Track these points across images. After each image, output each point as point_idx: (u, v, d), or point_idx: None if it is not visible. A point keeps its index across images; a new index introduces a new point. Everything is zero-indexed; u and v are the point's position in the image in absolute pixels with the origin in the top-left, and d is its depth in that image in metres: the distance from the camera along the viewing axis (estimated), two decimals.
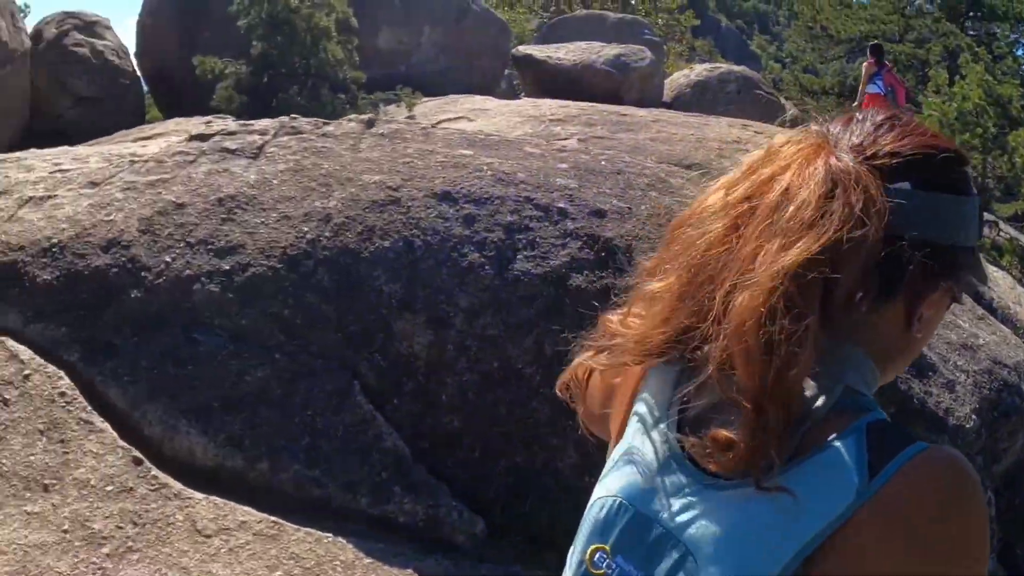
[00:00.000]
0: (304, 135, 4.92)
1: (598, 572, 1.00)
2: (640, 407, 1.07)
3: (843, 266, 0.93)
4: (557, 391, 1.29)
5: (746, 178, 1.03)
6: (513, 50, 18.13)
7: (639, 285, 1.12)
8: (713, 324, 0.95)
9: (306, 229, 4.17)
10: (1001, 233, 11.02)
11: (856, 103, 13.22)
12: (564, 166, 5.37)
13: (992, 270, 7.67)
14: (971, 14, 22.49)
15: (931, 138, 1.04)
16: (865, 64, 12.92)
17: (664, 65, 19.39)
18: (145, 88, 15.34)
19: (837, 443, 0.91)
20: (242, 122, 5.47)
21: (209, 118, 9.53)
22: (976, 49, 19.55)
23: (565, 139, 9.84)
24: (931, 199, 0.99)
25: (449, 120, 11.96)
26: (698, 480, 0.96)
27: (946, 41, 20.86)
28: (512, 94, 18.61)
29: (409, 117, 12.61)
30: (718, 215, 1.03)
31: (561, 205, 4.78)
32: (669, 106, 14.73)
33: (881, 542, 0.87)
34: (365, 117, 5.38)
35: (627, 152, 8.34)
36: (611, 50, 15.95)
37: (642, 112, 10.61)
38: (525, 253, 4.48)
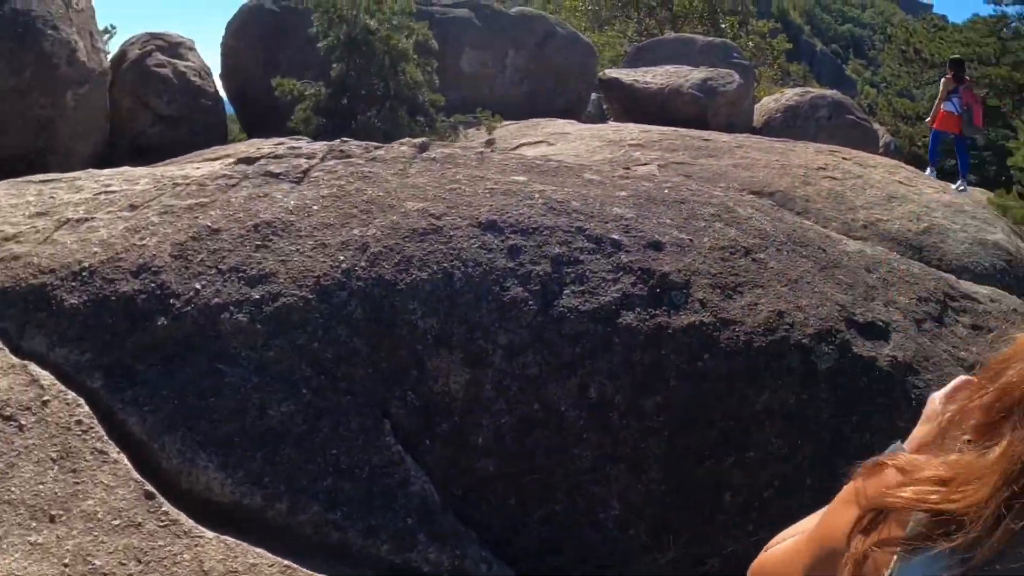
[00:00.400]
0: (352, 159, 4.76)
1: None
2: (932, 563, 0.93)
3: None
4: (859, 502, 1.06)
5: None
6: (600, 74, 17.92)
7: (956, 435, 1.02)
8: None
9: (342, 258, 3.99)
10: None
11: (930, 119, 12.59)
12: (623, 194, 5.10)
13: None
14: None
15: None
16: (943, 80, 12.11)
17: (755, 90, 18.91)
18: (230, 109, 15.60)
19: None
20: (290, 145, 5.35)
21: (284, 139, 9.54)
22: None
23: (645, 164, 9.57)
24: None
25: (528, 144, 11.77)
26: None
27: None
28: (600, 118, 18.39)
29: (488, 140, 12.51)
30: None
31: (615, 236, 4.51)
32: (758, 131, 14.30)
33: None
34: (418, 141, 5.19)
35: (708, 179, 8.02)
36: (698, 74, 15.62)
37: (725, 137, 10.25)
38: (573, 288, 4.22)
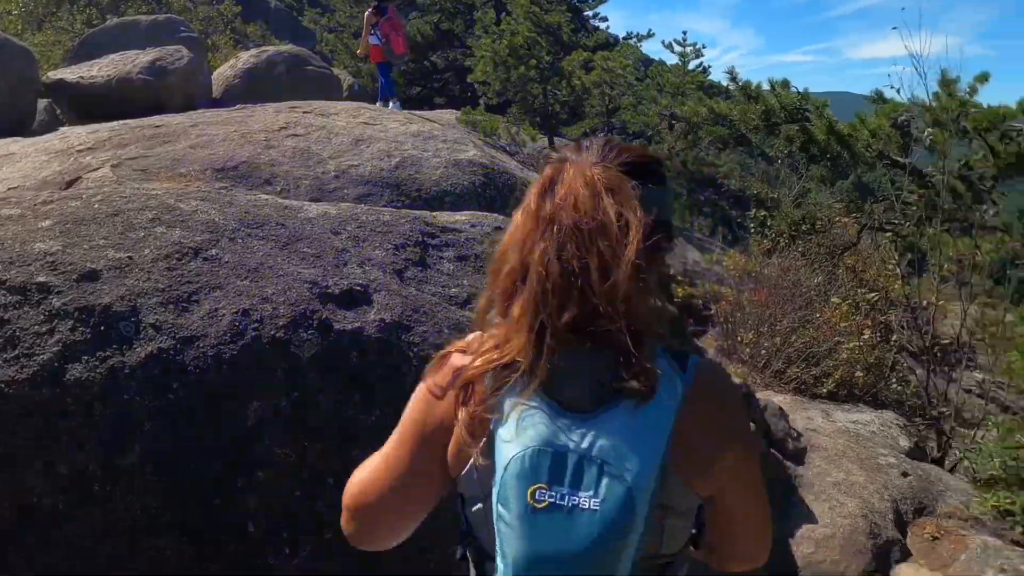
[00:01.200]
0: None
1: (543, 504, 1.34)
2: (509, 386, 1.42)
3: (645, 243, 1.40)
4: (433, 392, 1.53)
5: (542, 206, 1.46)
6: (44, 77, 15.90)
7: (489, 308, 1.53)
8: (590, 311, 1.38)
9: None
10: None
11: (361, 52, 13.47)
12: (47, 224, 4.28)
13: None
14: None
15: (637, 151, 1.57)
16: (367, 14, 12.76)
17: (211, 60, 18.13)
18: None
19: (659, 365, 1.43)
20: None
21: None
22: None
23: (97, 169, 8.47)
24: (653, 192, 1.51)
25: None
26: (581, 419, 1.38)
27: None
28: (54, 126, 16.40)
29: None
30: (538, 239, 1.44)
31: (42, 279, 3.74)
32: (220, 103, 13.66)
33: (706, 404, 1.46)
34: None
35: (167, 167, 7.29)
36: (145, 57, 14.45)
37: (179, 118, 9.45)
38: (4, 356, 3.42)
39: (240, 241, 4.21)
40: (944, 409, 7.95)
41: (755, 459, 1.64)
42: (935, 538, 5.68)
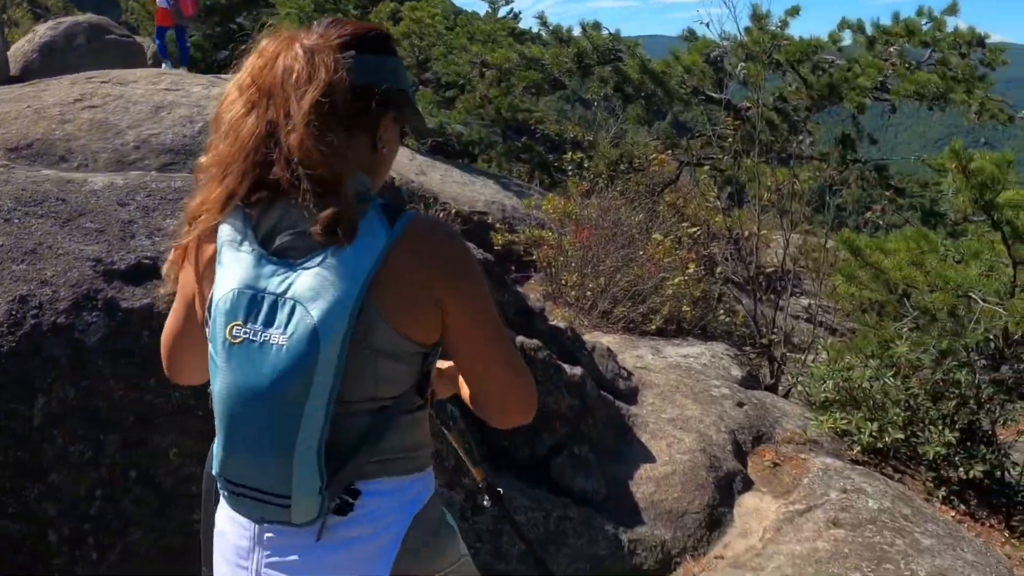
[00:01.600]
0: None
1: (238, 340, 1.43)
2: (225, 238, 1.50)
3: (336, 103, 1.48)
4: (165, 278, 1.68)
5: (248, 72, 1.55)
6: None
7: (199, 174, 1.59)
8: (279, 165, 1.46)
9: None
10: None
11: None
12: None
13: None
14: None
15: (362, 26, 1.63)
16: None
17: (9, 35, 16.35)
18: None
19: (366, 219, 1.47)
20: None
21: None
22: None
23: None
24: (367, 59, 1.57)
25: None
26: (285, 265, 1.45)
27: None
28: None
29: None
30: (238, 101, 1.53)
31: None
32: (19, 79, 12.18)
33: (414, 254, 1.49)
34: None
35: None
36: None
37: None
38: None
39: (16, 222, 3.58)
40: (774, 336, 7.80)
41: (482, 311, 1.60)
42: (776, 464, 5.40)
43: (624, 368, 6.02)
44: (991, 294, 5.36)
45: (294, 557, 1.50)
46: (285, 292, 1.42)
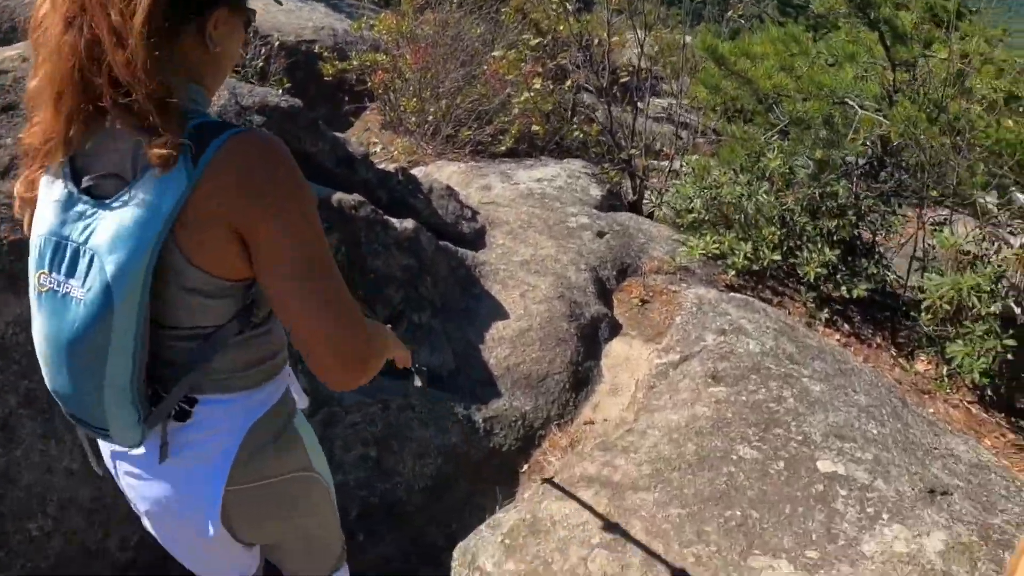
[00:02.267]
0: None
1: (45, 289, 1.35)
2: (44, 179, 1.38)
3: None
4: (17, 215, 1.49)
5: None
6: None
7: (29, 101, 1.39)
8: (105, 87, 1.27)
9: None
10: None
11: None
12: None
13: None
14: None
15: None
16: None
17: None
18: None
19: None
20: None
21: None
22: None
23: None
24: None
25: None
26: (95, 205, 1.32)
27: None
28: None
29: None
30: (53, 19, 1.30)
31: None
32: None
33: (219, 189, 1.29)
34: None
35: None
36: None
37: None
38: None
39: None
40: (634, 149, 7.11)
41: (297, 247, 1.37)
42: (644, 302, 4.81)
43: (468, 207, 5.24)
44: (869, 100, 4.74)
45: (140, 468, 1.57)
46: (86, 241, 1.33)
